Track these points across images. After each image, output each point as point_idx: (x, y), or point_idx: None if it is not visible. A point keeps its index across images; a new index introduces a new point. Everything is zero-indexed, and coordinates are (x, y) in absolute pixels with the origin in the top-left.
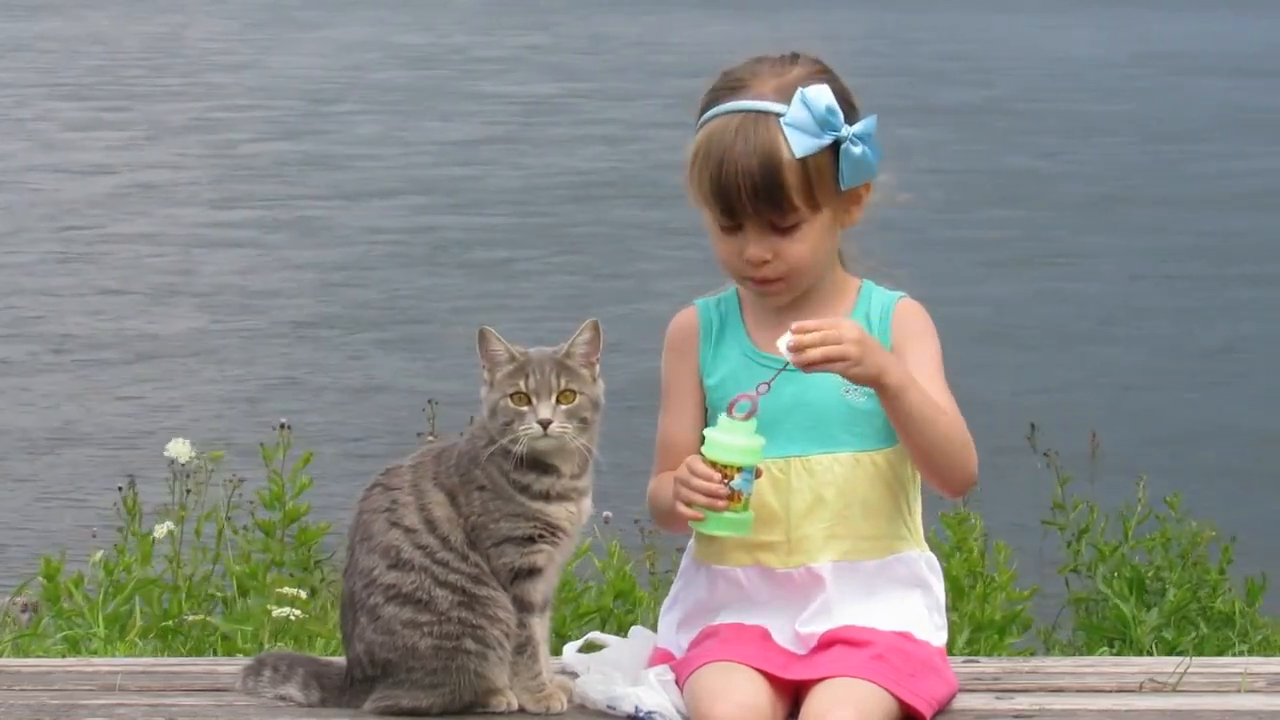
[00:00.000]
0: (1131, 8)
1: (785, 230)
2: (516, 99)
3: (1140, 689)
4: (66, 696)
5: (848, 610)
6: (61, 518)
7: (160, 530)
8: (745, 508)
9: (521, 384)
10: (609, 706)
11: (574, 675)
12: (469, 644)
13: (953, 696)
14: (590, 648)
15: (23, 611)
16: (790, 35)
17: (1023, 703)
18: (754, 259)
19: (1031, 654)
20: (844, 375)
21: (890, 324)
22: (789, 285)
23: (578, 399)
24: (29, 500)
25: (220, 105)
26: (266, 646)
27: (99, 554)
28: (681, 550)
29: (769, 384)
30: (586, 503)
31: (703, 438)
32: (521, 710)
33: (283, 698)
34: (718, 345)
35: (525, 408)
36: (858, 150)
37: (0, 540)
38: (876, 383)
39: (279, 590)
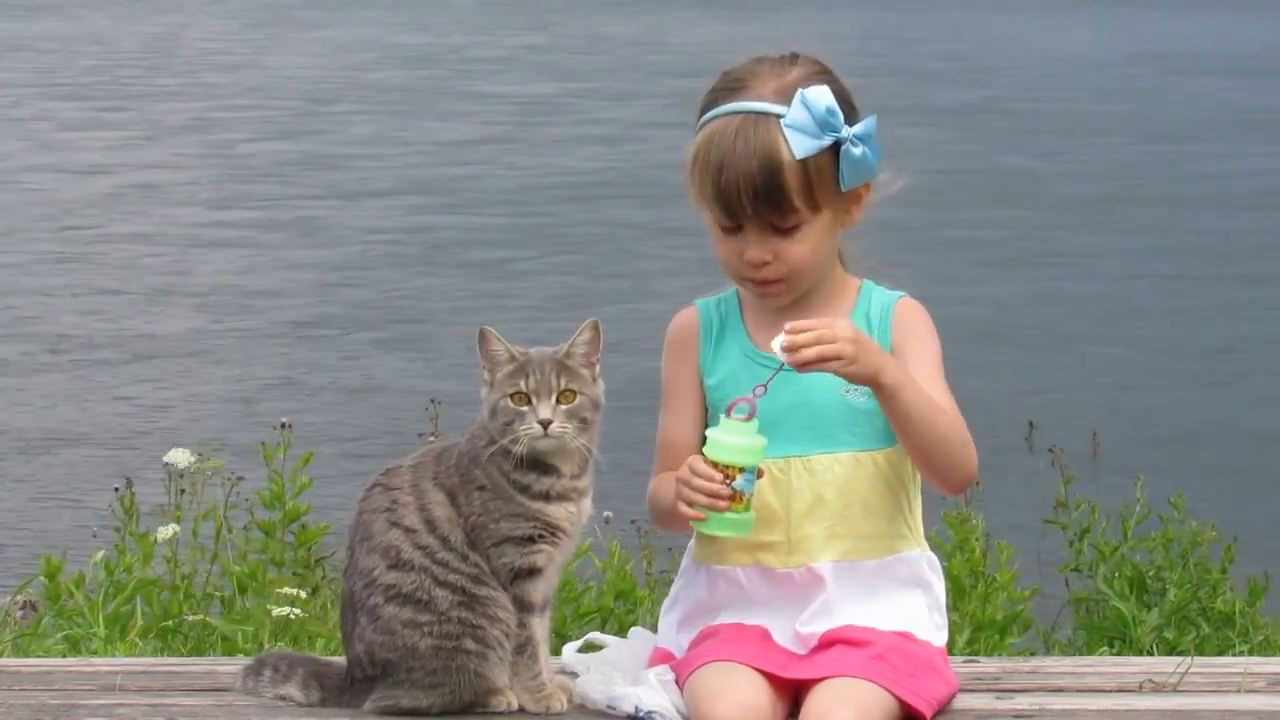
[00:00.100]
0: (1131, 8)
1: (785, 231)
2: (514, 99)
3: (1140, 689)
4: (66, 696)
5: (848, 610)
6: (58, 518)
7: (164, 533)
8: (747, 508)
9: (522, 384)
10: (609, 706)
11: (574, 675)
12: (469, 644)
13: (953, 696)
14: (590, 648)
15: (20, 610)
16: (789, 35)
17: (1023, 703)
18: (754, 260)
19: (1031, 654)
20: (839, 374)
21: (890, 323)
22: (789, 286)
23: (578, 399)
24: (25, 500)
25: (218, 105)
26: (266, 646)
27: (100, 554)
28: (681, 550)
29: (766, 386)
30: (586, 503)
31: (704, 438)
32: (521, 710)
33: (283, 698)
34: (718, 345)
35: (525, 408)
36: (858, 151)
37: None
38: (872, 381)
39: (279, 590)
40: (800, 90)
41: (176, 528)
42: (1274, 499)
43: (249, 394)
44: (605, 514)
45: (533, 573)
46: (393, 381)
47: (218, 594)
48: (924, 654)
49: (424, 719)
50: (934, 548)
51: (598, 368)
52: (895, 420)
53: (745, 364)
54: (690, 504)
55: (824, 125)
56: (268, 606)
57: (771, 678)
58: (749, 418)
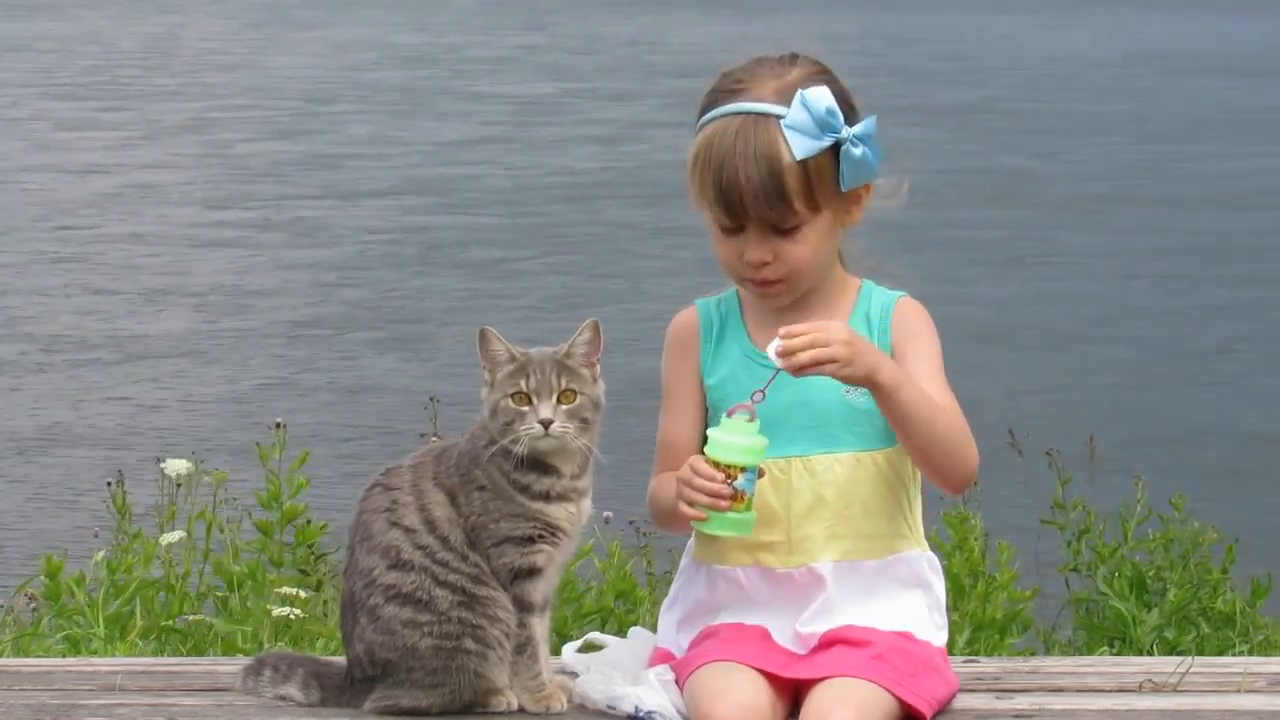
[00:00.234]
0: (1130, 7)
1: (785, 232)
2: (512, 99)
3: (1140, 689)
4: (66, 696)
5: (848, 610)
6: (55, 518)
7: (169, 538)
8: (748, 508)
9: (522, 384)
10: (609, 706)
11: (574, 675)
12: (469, 644)
13: (953, 696)
14: (589, 648)
15: (29, 603)
16: (788, 35)
17: (1023, 703)
18: (754, 261)
19: (1031, 654)
20: (835, 377)
21: (890, 323)
22: (790, 287)
23: (578, 399)
24: (21, 501)
25: (216, 105)
26: (266, 646)
27: (100, 554)
28: (681, 550)
29: (764, 392)
30: (586, 503)
31: (705, 438)
32: (521, 710)
33: (283, 698)
34: (718, 345)
35: (526, 408)
36: (858, 151)
37: None
38: (869, 382)
39: (278, 590)
40: (800, 91)
41: (182, 533)
42: (1273, 499)
43: (244, 394)
44: (605, 514)
45: (533, 573)
46: (389, 382)
47: (211, 594)
48: (924, 654)
49: (424, 719)
50: (933, 547)
51: (598, 368)
52: (894, 420)
53: (745, 364)
54: (691, 504)
55: (824, 126)
56: (267, 606)
57: (771, 678)
58: (750, 418)
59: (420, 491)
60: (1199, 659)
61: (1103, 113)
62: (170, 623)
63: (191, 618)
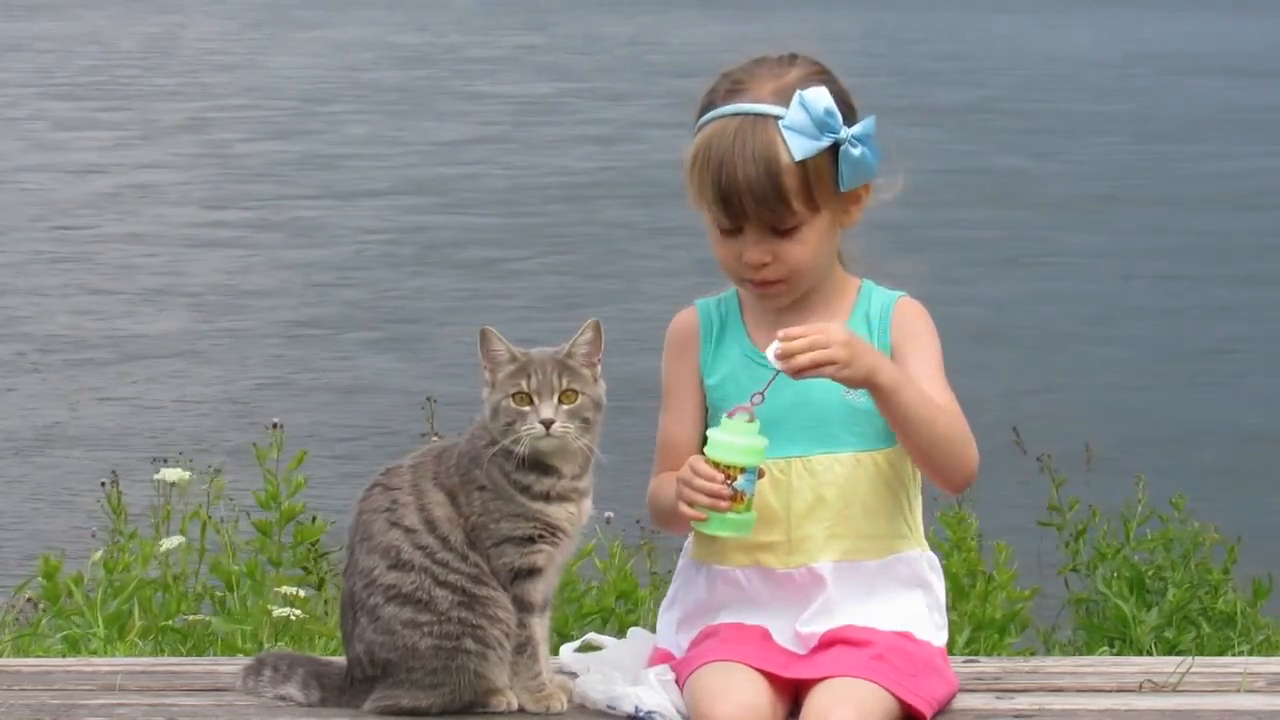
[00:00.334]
0: (1130, 7)
1: (785, 233)
2: (511, 99)
3: (1140, 689)
4: (66, 696)
5: (848, 610)
6: (52, 519)
7: (168, 543)
8: (748, 508)
9: (523, 384)
10: (609, 706)
11: (574, 675)
12: (469, 644)
13: (953, 696)
14: (587, 649)
15: (28, 602)
16: (788, 35)
17: (1023, 703)
18: (753, 262)
19: (1031, 654)
20: (834, 379)
21: (890, 323)
22: (789, 287)
23: (580, 399)
24: (18, 501)
25: (215, 105)
26: (266, 646)
27: (98, 554)
28: (681, 550)
29: (763, 395)
30: (587, 503)
31: (705, 438)
32: (521, 710)
33: (283, 698)
34: (718, 345)
35: (527, 408)
36: (857, 152)
37: None
38: (868, 383)
39: (279, 589)
40: (799, 91)
41: (182, 539)
42: (1272, 499)
43: (242, 394)
44: (607, 514)
45: (532, 573)
46: (386, 382)
47: (209, 594)
48: (924, 654)
49: (424, 719)
50: (932, 547)
51: (599, 368)
52: (893, 421)
53: (745, 364)
54: (691, 504)
55: (822, 126)
56: (267, 606)
57: (771, 677)
58: (750, 419)
59: (420, 491)
60: (1199, 659)
61: (1102, 113)
62: (169, 623)
63: (191, 618)
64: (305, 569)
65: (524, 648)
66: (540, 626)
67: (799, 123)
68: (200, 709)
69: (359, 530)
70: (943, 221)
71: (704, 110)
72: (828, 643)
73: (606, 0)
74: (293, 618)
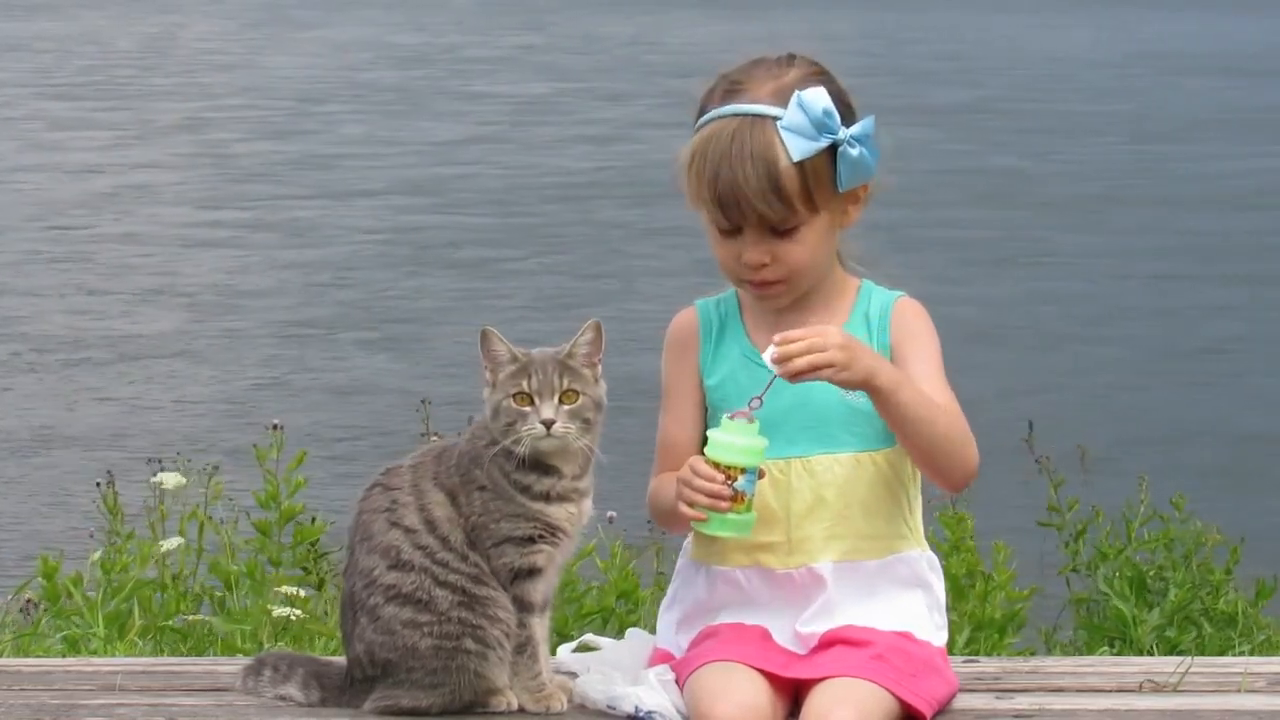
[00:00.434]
0: (1130, 7)
1: (783, 233)
2: (508, 99)
3: (1140, 689)
4: (66, 696)
5: (848, 610)
6: (49, 519)
7: (167, 545)
8: (748, 509)
9: (524, 384)
10: (609, 706)
11: (574, 675)
12: (469, 644)
13: (953, 696)
14: (584, 649)
15: (29, 602)
16: (786, 35)
17: (1023, 703)
18: (752, 262)
19: (1031, 654)
20: (832, 381)
21: (889, 322)
22: (788, 288)
23: (580, 399)
24: (16, 502)
25: (212, 105)
26: (266, 646)
27: (97, 554)
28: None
29: (761, 398)
30: (587, 504)
31: (705, 438)
32: (521, 710)
33: (283, 698)
34: (717, 345)
35: (528, 408)
36: (855, 152)
37: None
38: (867, 385)
39: (279, 589)
40: (797, 92)
41: (181, 540)
42: (1268, 499)
43: (237, 395)
44: (609, 514)
45: (533, 573)
46: (382, 382)
47: (208, 594)
48: (924, 654)
49: (424, 719)
50: (932, 547)
51: (599, 368)
52: (893, 422)
53: (744, 364)
54: (691, 504)
55: (821, 127)
56: (267, 606)
57: (771, 677)
58: (750, 419)
59: (420, 491)
60: (1199, 659)
61: (1100, 113)
62: (169, 623)
63: (190, 618)
64: (305, 569)
65: (524, 648)
66: (540, 626)
67: (797, 123)
68: (200, 709)
69: (359, 530)
70: (937, 221)
71: (702, 111)
72: (828, 643)
73: (605, 0)
74: (292, 618)
